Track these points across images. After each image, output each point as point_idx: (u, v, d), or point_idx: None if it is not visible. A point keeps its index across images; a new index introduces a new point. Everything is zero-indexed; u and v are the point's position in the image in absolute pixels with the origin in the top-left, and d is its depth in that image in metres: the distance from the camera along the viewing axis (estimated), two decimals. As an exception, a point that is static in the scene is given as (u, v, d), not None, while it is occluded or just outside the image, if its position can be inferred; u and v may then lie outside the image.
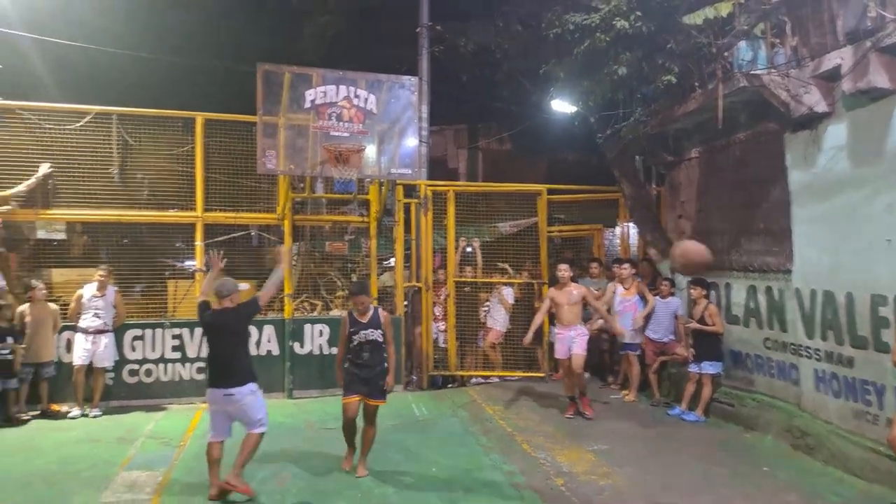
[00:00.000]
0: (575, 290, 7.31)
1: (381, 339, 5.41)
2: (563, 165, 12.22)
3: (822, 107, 5.91)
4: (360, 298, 5.40)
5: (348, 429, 5.49)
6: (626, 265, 8.33)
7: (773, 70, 6.39)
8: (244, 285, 5.63)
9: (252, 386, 4.96)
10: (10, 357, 6.72)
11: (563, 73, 8.08)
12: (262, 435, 5.03)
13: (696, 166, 8.19)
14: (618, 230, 10.15)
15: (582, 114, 8.98)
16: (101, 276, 7.27)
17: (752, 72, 6.42)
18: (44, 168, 7.53)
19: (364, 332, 5.35)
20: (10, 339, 6.74)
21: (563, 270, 7.35)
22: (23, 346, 6.87)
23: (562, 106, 9.62)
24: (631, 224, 9.87)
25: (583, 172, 10.05)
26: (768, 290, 6.79)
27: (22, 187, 7.41)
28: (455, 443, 6.35)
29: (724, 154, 7.66)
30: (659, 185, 9.42)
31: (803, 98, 6.02)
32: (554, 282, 9.30)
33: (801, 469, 5.69)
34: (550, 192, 9.53)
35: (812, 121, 6.04)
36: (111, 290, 7.41)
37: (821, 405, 6.00)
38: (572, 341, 7.22)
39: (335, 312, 8.75)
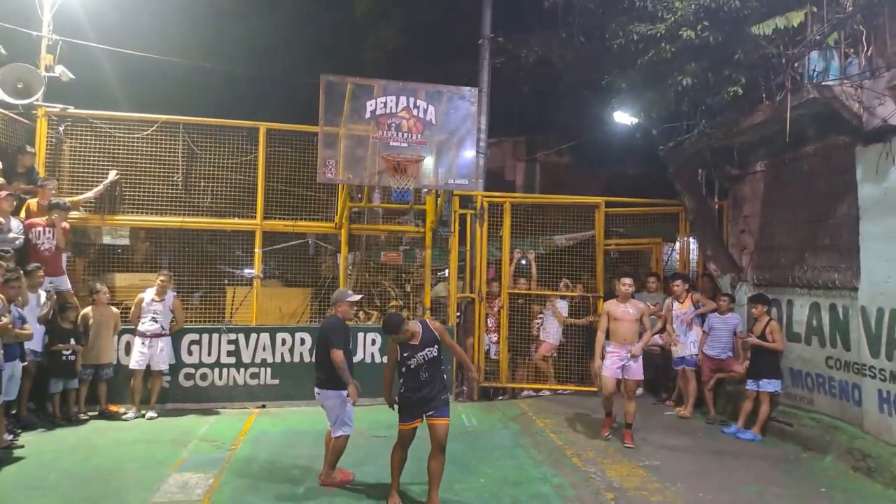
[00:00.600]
0: (633, 308, 6.78)
1: (437, 354, 5.02)
2: (622, 179, 11.97)
3: (896, 119, 5.61)
4: (399, 336, 4.94)
5: (400, 458, 5.02)
6: (679, 281, 8.14)
7: (845, 81, 6.12)
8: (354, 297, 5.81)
9: (336, 392, 5.31)
10: (72, 358, 6.99)
11: (625, 84, 7.95)
12: (342, 437, 5.30)
13: (761, 180, 7.91)
14: (677, 245, 9.84)
15: (644, 126, 8.80)
16: (161, 280, 7.49)
17: (823, 83, 6.15)
18: (112, 175, 7.87)
19: (420, 354, 4.92)
20: (72, 341, 7.01)
21: (627, 285, 6.81)
22: (83, 346, 7.11)
23: (623, 118, 9.44)
24: (691, 238, 9.56)
25: (642, 186, 9.79)
26: (832, 307, 6.54)
27: (90, 194, 7.75)
28: (504, 454, 6.25)
29: (790, 168, 7.39)
30: (721, 199, 9.09)
31: (877, 110, 5.78)
32: (609, 296, 9.11)
33: (860, 492, 5.51)
34: (608, 204, 9.34)
35: (886, 133, 5.80)
36: (170, 295, 7.62)
37: (885, 427, 5.78)
38: (627, 363, 6.69)
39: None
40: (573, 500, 5.05)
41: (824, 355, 6.63)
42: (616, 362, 6.69)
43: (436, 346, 5.02)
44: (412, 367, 4.95)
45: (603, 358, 6.78)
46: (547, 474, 5.67)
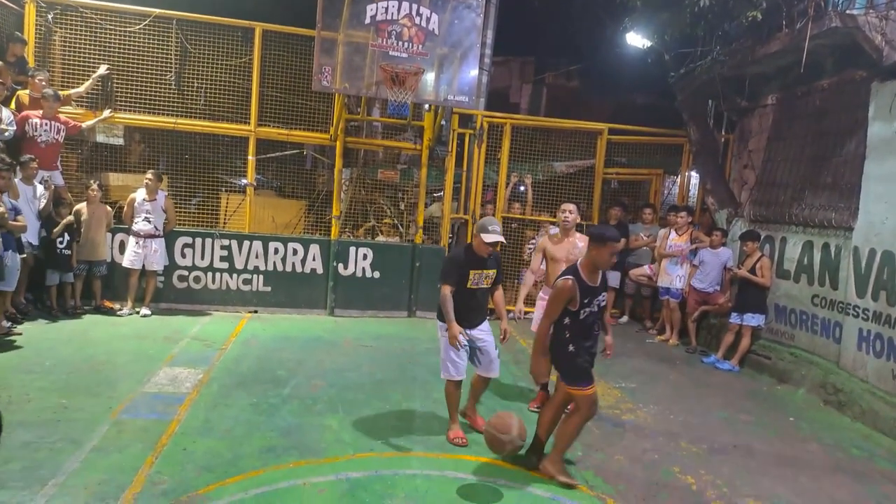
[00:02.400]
0: (579, 243, 5.25)
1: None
2: (629, 108, 11.66)
3: (918, 54, 5.41)
4: (610, 247, 3.90)
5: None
6: (684, 213, 8.08)
7: (870, 11, 5.84)
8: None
9: (441, 325, 4.45)
10: (67, 252, 7.05)
11: (640, 3, 7.60)
12: (446, 382, 4.53)
13: (771, 114, 7.72)
14: (678, 178, 9.73)
15: (656, 50, 8.49)
16: (148, 179, 7.41)
17: (847, 11, 5.88)
18: (102, 69, 7.64)
19: (598, 300, 3.99)
20: (66, 236, 7.03)
21: (568, 212, 5.31)
22: (77, 241, 7.16)
23: (636, 40, 9.10)
24: (692, 172, 9.44)
25: (650, 117, 9.55)
26: (825, 246, 6.56)
27: (81, 88, 7.57)
28: (486, 371, 6.38)
29: (802, 102, 7.21)
30: (727, 133, 8.91)
31: (899, 43, 5.50)
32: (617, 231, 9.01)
33: (828, 423, 5.70)
34: (612, 132, 9.16)
35: (905, 70, 5.58)
36: (161, 195, 7.58)
37: (860, 364, 5.91)
38: None
39: (380, 238, 8.81)
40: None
41: (811, 293, 6.69)
42: None
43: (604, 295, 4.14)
44: (584, 316, 3.95)
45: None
46: (524, 389, 5.83)
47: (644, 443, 4.79)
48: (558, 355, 4.00)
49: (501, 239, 4.39)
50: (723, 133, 9.01)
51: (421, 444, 4.39)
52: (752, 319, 7.10)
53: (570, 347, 3.96)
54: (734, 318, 7.22)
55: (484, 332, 4.58)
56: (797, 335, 6.85)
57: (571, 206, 5.39)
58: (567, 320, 3.94)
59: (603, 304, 4.10)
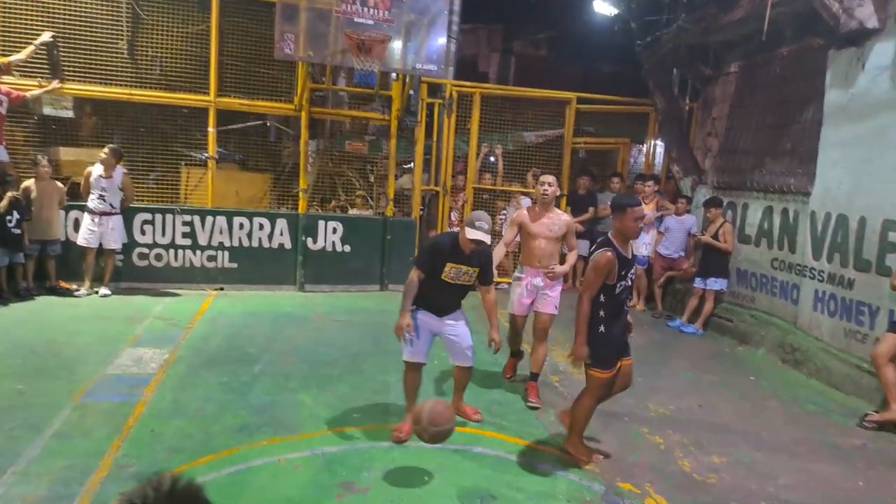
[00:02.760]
0: (557, 221, 4.92)
1: None
2: (597, 77, 11.65)
3: (872, 22, 5.53)
4: (631, 213, 3.69)
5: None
6: (651, 182, 8.17)
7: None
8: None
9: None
10: (17, 231, 6.64)
11: (607, -31, 7.54)
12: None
13: (733, 82, 7.82)
14: (644, 146, 9.81)
15: (623, 18, 8.47)
16: (104, 154, 7.08)
17: (807, -22, 5.93)
18: (45, 35, 7.16)
19: (630, 273, 3.86)
20: (15, 214, 6.62)
21: (547, 185, 4.90)
22: (28, 220, 6.79)
23: (603, 7, 9.04)
24: (658, 141, 9.52)
25: (617, 86, 9.56)
26: (784, 211, 6.74)
27: (21, 55, 7.06)
28: (458, 342, 6.41)
29: (763, 70, 7.32)
30: (692, 101, 8.99)
31: (855, 11, 5.62)
32: (573, 195, 9.14)
33: (786, 381, 5.93)
34: (580, 101, 9.14)
35: (860, 37, 5.71)
36: (119, 172, 7.23)
37: (815, 323, 6.15)
38: (541, 294, 4.98)
39: (354, 212, 8.70)
40: (518, 380, 5.32)
41: (771, 257, 6.88)
42: (526, 294, 5.00)
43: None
44: (619, 290, 3.75)
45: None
46: (498, 358, 5.83)
47: (613, 406, 4.86)
48: (588, 335, 3.73)
49: (485, 238, 3.86)
50: (687, 101, 9.08)
51: (396, 417, 4.39)
52: (715, 284, 7.28)
53: (601, 328, 3.71)
54: (698, 283, 7.39)
55: (453, 322, 4.17)
56: (757, 298, 7.06)
57: (551, 178, 4.92)
58: (602, 297, 3.69)
59: (633, 277, 3.91)
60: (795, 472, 4.01)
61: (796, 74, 6.73)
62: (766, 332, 6.71)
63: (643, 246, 8.09)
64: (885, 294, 5.27)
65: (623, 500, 3.51)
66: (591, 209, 8.97)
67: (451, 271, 4.00)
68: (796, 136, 6.65)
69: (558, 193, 5.02)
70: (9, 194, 6.61)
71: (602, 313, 3.71)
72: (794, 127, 6.70)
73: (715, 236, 7.24)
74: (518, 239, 5.13)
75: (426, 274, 3.98)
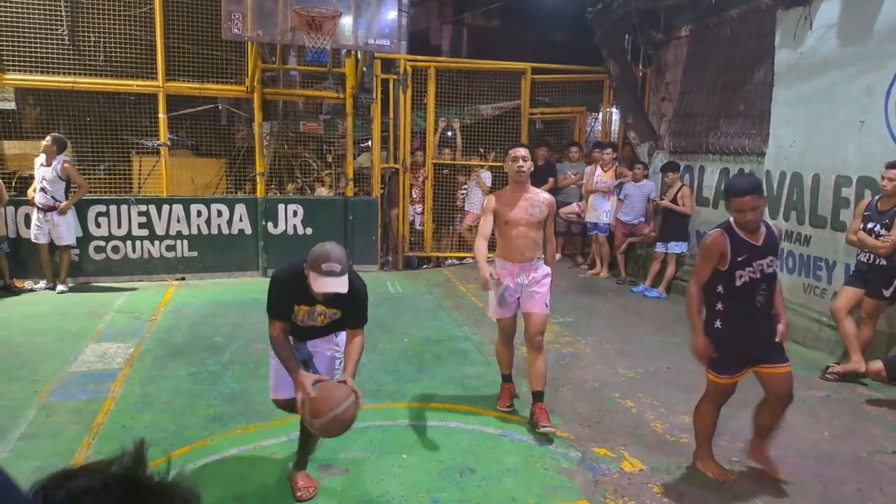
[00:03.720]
0: (537, 202, 4.01)
1: (775, 271, 3.35)
2: (550, 47, 11.63)
3: (819, -20, 5.62)
4: (735, 203, 3.18)
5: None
6: (609, 150, 8.24)
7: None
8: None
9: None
10: None
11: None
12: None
13: (685, 46, 7.91)
14: (600, 115, 9.89)
15: (573, -15, 8.44)
16: (46, 144, 6.76)
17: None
18: None
19: (761, 263, 3.20)
20: None
21: (521, 159, 3.99)
22: None
23: (553, -24, 8.98)
24: (614, 108, 9.61)
25: (570, 56, 9.56)
26: (740, 172, 6.87)
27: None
28: (428, 317, 6.45)
29: (713, 33, 7.40)
30: (645, 67, 9.07)
31: (801, -31, 5.70)
32: (535, 168, 9.09)
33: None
34: (535, 71, 9.13)
35: (808, -4, 5.78)
36: (59, 159, 6.84)
37: (773, 281, 6.30)
38: (527, 292, 4.04)
39: (322, 192, 8.58)
40: (491, 354, 5.28)
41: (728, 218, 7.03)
42: (511, 292, 4.06)
43: (775, 261, 3.33)
44: (744, 288, 3.20)
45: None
46: (468, 333, 5.93)
47: (584, 373, 5.00)
48: (704, 329, 3.29)
49: (341, 289, 2.88)
50: (641, 67, 9.16)
51: (371, 397, 4.40)
52: (676, 247, 7.44)
53: (717, 323, 3.25)
54: (659, 248, 7.55)
55: (328, 344, 3.33)
56: (718, 259, 7.24)
57: (523, 151, 4.01)
58: (720, 287, 3.21)
59: (771, 272, 3.21)
60: (761, 427, 4.15)
61: (747, 35, 6.83)
62: (727, 291, 6.92)
63: (604, 213, 8.20)
64: (841, 249, 5.43)
65: (599, 464, 3.59)
66: (550, 180, 9.02)
67: (302, 315, 3.12)
68: (749, 97, 6.77)
69: (533, 168, 4.11)
70: None
71: (719, 306, 3.24)
72: (746, 88, 6.82)
73: (674, 200, 7.38)
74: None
75: (283, 321, 3.11)
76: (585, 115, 9.95)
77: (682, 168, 7.64)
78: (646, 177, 7.97)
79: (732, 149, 6.93)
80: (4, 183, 6.95)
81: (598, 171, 8.27)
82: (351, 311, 3.14)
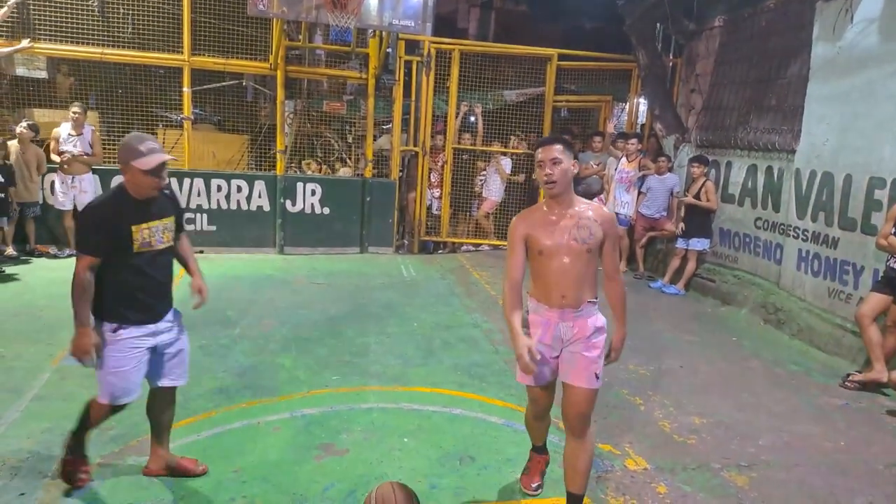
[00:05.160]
0: (589, 214, 2.82)
1: None
2: (579, 34, 11.42)
3: (862, -29, 5.41)
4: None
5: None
6: (634, 140, 8.10)
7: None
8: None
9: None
10: (1, 196, 6.60)
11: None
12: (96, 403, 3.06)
13: (718, 36, 7.69)
14: (626, 105, 9.70)
15: (605, -30, 8.26)
16: (74, 112, 6.94)
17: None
18: None
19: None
20: (1, 178, 6.57)
21: (551, 162, 2.75)
22: (13, 186, 6.75)
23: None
24: (640, 99, 9.42)
25: (598, 44, 9.37)
26: (769, 169, 6.69)
27: (-7, 16, 6.93)
28: (439, 303, 6.42)
29: (748, 24, 7.18)
30: (676, 57, 8.86)
31: (844, -39, 5.48)
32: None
33: (768, 340, 5.95)
34: (561, 57, 8.98)
35: (848, -12, 5.56)
36: (88, 129, 7.10)
37: (798, 283, 6.14)
38: (568, 352, 2.87)
39: (343, 173, 8.59)
40: (500, 343, 5.26)
41: (754, 216, 6.86)
42: (546, 349, 2.87)
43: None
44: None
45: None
46: (478, 320, 5.89)
47: (594, 366, 4.93)
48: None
49: (167, 157, 2.79)
50: (671, 57, 8.96)
51: (375, 379, 4.41)
52: (698, 244, 7.28)
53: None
54: (680, 243, 7.40)
55: (173, 327, 3.02)
56: (740, 258, 7.07)
57: (555, 150, 2.75)
58: None
59: None
60: (776, 432, 4.02)
61: (782, 28, 6.61)
62: (749, 292, 6.72)
63: (624, 205, 8.07)
64: (870, 253, 5.24)
65: (602, 461, 3.53)
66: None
67: (142, 236, 2.79)
68: (781, 91, 6.56)
69: (573, 172, 2.81)
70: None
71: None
72: (779, 82, 6.60)
73: (697, 195, 7.21)
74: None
75: (104, 257, 2.75)
76: (612, 104, 9.78)
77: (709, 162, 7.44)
78: (670, 170, 7.81)
79: (762, 145, 6.74)
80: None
81: (623, 160, 8.14)
82: (178, 210, 3.03)
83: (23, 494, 2.89)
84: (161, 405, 3.10)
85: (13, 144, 6.83)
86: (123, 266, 2.79)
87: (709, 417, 4.18)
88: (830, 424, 4.19)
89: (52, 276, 6.43)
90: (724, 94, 7.49)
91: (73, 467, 3.00)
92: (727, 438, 3.90)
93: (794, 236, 6.21)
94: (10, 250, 6.91)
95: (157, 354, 2.97)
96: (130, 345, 2.85)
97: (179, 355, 3.06)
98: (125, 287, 2.81)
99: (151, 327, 2.89)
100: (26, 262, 6.87)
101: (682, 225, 7.34)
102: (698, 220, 7.29)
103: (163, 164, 2.76)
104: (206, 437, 3.50)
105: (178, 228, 3.05)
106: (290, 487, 3.07)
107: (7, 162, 6.68)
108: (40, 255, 7.06)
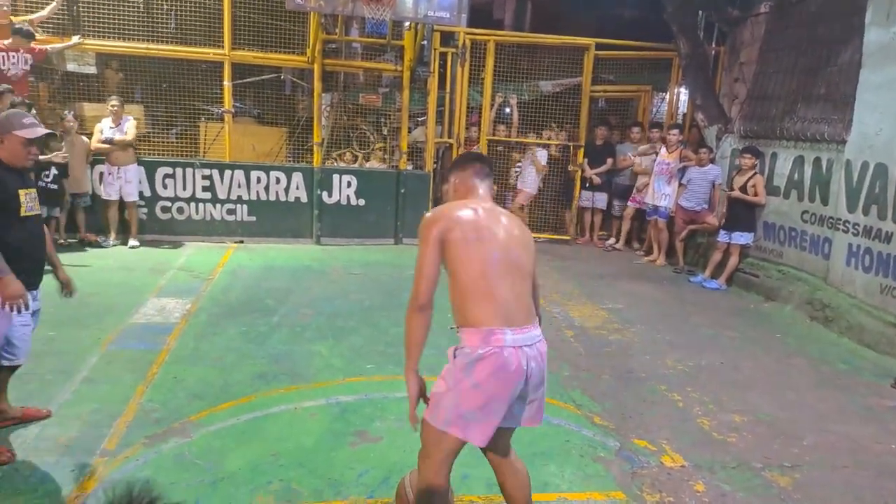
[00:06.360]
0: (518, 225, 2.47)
1: None
2: (617, 24, 11.20)
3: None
4: None
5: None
6: (675, 131, 7.95)
7: None
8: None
9: None
10: (54, 186, 6.83)
11: None
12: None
13: (763, 23, 7.46)
14: (666, 95, 9.50)
15: (644, -42, 8.09)
16: (113, 105, 7.16)
17: None
18: None
19: None
20: (53, 170, 6.79)
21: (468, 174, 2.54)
22: (66, 178, 6.99)
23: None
24: (681, 89, 9.22)
25: (637, 33, 9.18)
26: (817, 161, 6.46)
27: (44, 12, 7.19)
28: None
29: (796, 10, 6.97)
30: (719, 45, 8.63)
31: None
32: (591, 147, 8.93)
33: (815, 338, 5.76)
34: (599, 47, 8.83)
35: (905, -31, 5.34)
36: (126, 120, 7.31)
37: (848, 279, 5.93)
38: (518, 401, 2.35)
39: (373, 164, 8.64)
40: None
41: (801, 209, 6.65)
42: (477, 397, 2.22)
43: None
44: None
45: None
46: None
47: (631, 362, 4.87)
48: None
49: (47, 130, 3.29)
50: (713, 46, 8.72)
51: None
52: (741, 238, 7.07)
53: None
54: (722, 237, 7.21)
55: (36, 300, 3.34)
56: (786, 252, 6.86)
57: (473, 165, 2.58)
58: None
59: None
60: (822, 432, 3.89)
61: (833, 13, 6.38)
62: (795, 287, 6.52)
63: (664, 198, 7.92)
64: (928, 248, 5.01)
65: (638, 456, 3.49)
66: (609, 160, 8.79)
67: (26, 200, 3.10)
68: (831, 79, 6.33)
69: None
70: (54, 155, 6.70)
71: None
72: (828, 70, 6.37)
73: (744, 188, 6.99)
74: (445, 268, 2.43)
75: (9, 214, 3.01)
76: (651, 94, 9.60)
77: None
78: (712, 161, 7.62)
79: (809, 135, 6.52)
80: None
81: (663, 150, 7.98)
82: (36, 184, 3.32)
83: (73, 471, 3.00)
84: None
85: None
86: (11, 229, 3.02)
87: (750, 415, 4.08)
88: (881, 426, 4.04)
89: (101, 263, 6.66)
90: (769, 83, 7.27)
91: None
92: (769, 437, 3.81)
93: (843, 230, 5.98)
94: (62, 239, 7.18)
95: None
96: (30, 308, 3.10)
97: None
98: (13, 251, 2.98)
99: (34, 293, 3.20)
100: (76, 250, 7.11)
101: (722, 219, 7.14)
102: (742, 213, 7.09)
103: (41, 137, 3.14)
104: (245, 421, 3.58)
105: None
106: (326, 472, 3.12)
107: (62, 153, 6.88)
108: (89, 244, 7.31)
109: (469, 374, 2.22)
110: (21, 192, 3.05)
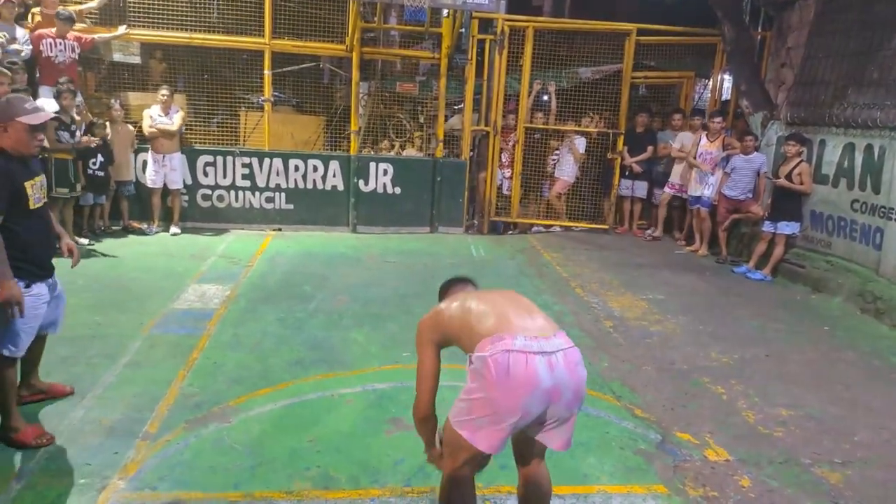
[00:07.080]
0: None
1: None
2: (658, 8, 10.93)
3: None
4: None
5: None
6: (719, 118, 7.72)
7: None
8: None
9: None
10: (100, 174, 7.01)
11: None
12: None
13: (812, 6, 7.17)
14: (710, 82, 9.22)
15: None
16: (163, 95, 7.31)
17: None
18: None
19: None
20: (100, 157, 6.96)
21: None
22: (112, 165, 7.16)
23: (666, -70, 8.38)
24: (725, 75, 8.94)
25: (680, 17, 8.92)
26: (868, 148, 6.19)
27: (94, 3, 7.35)
28: (509, 283, 6.34)
29: (848, -9, 6.62)
30: (765, 30, 8.32)
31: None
32: (631, 133, 8.71)
33: (865, 331, 5.53)
34: (641, 32, 8.62)
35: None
36: (175, 110, 7.48)
37: (902, 271, 5.67)
38: (548, 419, 2.24)
39: (409, 152, 8.64)
40: (571, 326, 5.13)
41: (850, 198, 6.39)
42: (483, 403, 2.15)
43: None
44: None
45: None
46: (548, 301, 5.79)
47: (672, 353, 4.76)
48: None
49: (51, 114, 3.21)
50: (759, 30, 8.42)
51: (444, 358, 4.39)
52: (787, 227, 6.84)
53: None
54: (767, 227, 6.99)
55: (56, 287, 3.29)
56: (834, 242, 6.61)
57: None
58: None
59: None
60: (874, 428, 3.74)
61: (887, -5, 6.11)
62: (844, 279, 6.28)
63: (708, 187, 7.71)
64: None
65: (681, 450, 3.40)
66: (649, 148, 8.59)
67: (33, 192, 3.00)
68: (884, 63, 6.04)
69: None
70: (96, 139, 6.85)
71: None
72: (882, 54, 6.09)
73: (789, 176, 6.76)
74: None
75: (5, 214, 2.87)
76: (694, 80, 9.33)
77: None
78: (757, 149, 7.38)
79: (860, 121, 6.25)
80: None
81: (704, 139, 7.76)
82: (45, 169, 3.28)
83: (116, 453, 3.07)
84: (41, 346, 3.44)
85: (106, 125, 7.23)
86: (21, 223, 2.94)
87: (797, 409, 3.94)
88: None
89: (143, 250, 6.83)
90: (818, 68, 6.99)
91: (27, 438, 3.06)
92: (818, 432, 3.67)
93: (896, 220, 5.74)
94: (107, 226, 7.38)
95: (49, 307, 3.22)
96: (43, 300, 3.12)
97: (61, 305, 3.37)
98: (26, 244, 2.96)
99: (50, 281, 3.19)
100: (120, 236, 7.31)
101: (767, 205, 6.93)
102: (788, 202, 6.86)
103: (45, 123, 3.02)
104: (283, 407, 3.61)
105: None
106: (363, 459, 3.13)
107: (107, 141, 7.07)
108: (132, 231, 7.49)
109: (478, 380, 2.19)
110: (27, 184, 2.95)
